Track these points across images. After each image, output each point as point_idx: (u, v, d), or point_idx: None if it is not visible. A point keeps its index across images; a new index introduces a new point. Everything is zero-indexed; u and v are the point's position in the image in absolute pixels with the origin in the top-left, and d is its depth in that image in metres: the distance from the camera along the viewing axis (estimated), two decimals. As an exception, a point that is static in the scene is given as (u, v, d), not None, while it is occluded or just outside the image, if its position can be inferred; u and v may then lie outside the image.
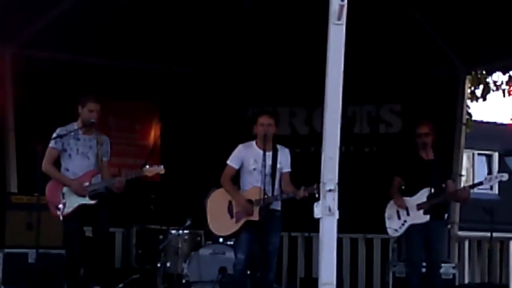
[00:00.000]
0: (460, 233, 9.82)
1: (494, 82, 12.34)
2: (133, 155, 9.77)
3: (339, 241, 5.59)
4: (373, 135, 10.18)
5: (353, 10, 4.85)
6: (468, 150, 20.00)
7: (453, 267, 8.65)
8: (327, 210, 4.66)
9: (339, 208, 4.69)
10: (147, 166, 7.43)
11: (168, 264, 8.49)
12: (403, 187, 7.89)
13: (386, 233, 8.12)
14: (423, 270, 7.84)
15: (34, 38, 8.78)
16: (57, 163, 7.39)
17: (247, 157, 7.22)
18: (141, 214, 9.07)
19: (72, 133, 7.34)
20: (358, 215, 9.14)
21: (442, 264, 8.23)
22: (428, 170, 7.82)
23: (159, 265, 8.44)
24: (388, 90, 10.04)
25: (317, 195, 4.87)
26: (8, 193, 8.43)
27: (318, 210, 4.70)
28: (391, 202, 7.95)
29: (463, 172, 11.52)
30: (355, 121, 10.17)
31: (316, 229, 4.73)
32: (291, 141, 8.31)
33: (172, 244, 8.51)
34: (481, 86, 12.35)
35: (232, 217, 7.17)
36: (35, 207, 7.04)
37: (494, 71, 10.77)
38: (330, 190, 4.67)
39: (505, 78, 12.03)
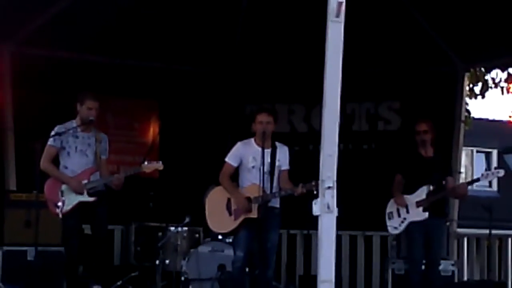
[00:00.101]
0: (459, 230, 9.82)
1: (493, 80, 12.37)
2: (132, 152, 9.76)
3: (338, 238, 5.58)
4: (372, 133, 10.17)
5: (351, 7, 4.86)
6: (467, 147, 20.03)
7: (452, 264, 8.65)
8: (326, 207, 4.67)
9: (338, 206, 4.70)
10: (146, 162, 7.43)
11: (167, 262, 8.49)
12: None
13: (385, 230, 8.15)
14: (423, 267, 7.87)
15: (33, 36, 8.76)
16: (55, 161, 7.40)
17: (245, 154, 7.23)
18: (140, 211, 9.06)
19: (71, 131, 7.35)
20: (357, 213, 9.12)
21: (441, 261, 8.25)
22: (428, 168, 7.84)
23: (158, 262, 8.43)
24: (386, 87, 10.03)
25: (315, 192, 4.88)
26: (7, 191, 8.42)
27: (317, 208, 4.70)
28: (392, 200, 7.98)
29: (462, 170, 11.54)
30: (354, 119, 10.16)
31: (315, 227, 4.73)
32: (289, 139, 8.31)
33: (171, 241, 8.51)
34: (480, 84, 12.37)
35: (230, 214, 7.18)
36: (34, 205, 7.03)
37: (493, 69, 10.75)
38: (329, 188, 4.67)
39: (504, 75, 12.07)
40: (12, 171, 8.72)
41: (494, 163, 22.78)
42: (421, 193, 7.81)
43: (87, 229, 7.50)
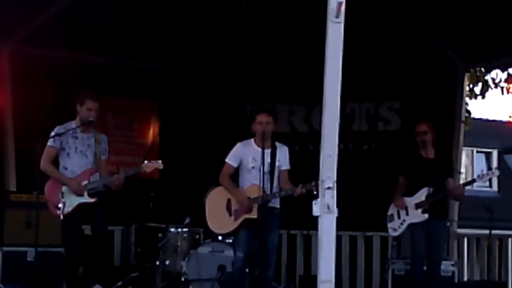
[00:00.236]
0: (459, 230, 9.82)
1: (493, 80, 12.37)
2: (132, 153, 9.75)
3: (338, 238, 5.58)
4: (372, 133, 10.16)
5: (351, 7, 4.85)
6: (467, 147, 20.02)
7: (452, 265, 8.66)
8: (326, 208, 4.65)
9: (338, 206, 4.69)
10: (146, 162, 7.43)
11: (167, 262, 8.49)
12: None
13: (385, 230, 8.15)
14: (424, 268, 7.88)
15: (32, 36, 8.75)
16: (55, 162, 7.39)
17: (245, 155, 7.22)
18: (140, 212, 9.06)
19: (71, 132, 7.34)
20: (357, 213, 9.12)
21: (442, 262, 8.25)
22: (428, 169, 7.84)
23: (158, 263, 8.43)
24: (387, 87, 10.03)
25: (315, 192, 4.87)
26: (7, 192, 8.42)
27: (317, 208, 4.69)
28: (393, 203, 8.00)
29: (462, 170, 11.53)
30: (354, 119, 10.16)
31: (315, 227, 4.72)
32: (290, 139, 8.30)
33: (171, 242, 8.51)
34: (480, 84, 12.36)
35: (230, 215, 7.17)
36: (34, 206, 7.03)
37: (493, 69, 10.75)
38: (329, 188, 4.66)
39: (504, 75, 12.08)
40: (12, 172, 8.71)
41: (494, 163, 22.77)
42: (421, 195, 7.82)
43: (87, 229, 7.49)
